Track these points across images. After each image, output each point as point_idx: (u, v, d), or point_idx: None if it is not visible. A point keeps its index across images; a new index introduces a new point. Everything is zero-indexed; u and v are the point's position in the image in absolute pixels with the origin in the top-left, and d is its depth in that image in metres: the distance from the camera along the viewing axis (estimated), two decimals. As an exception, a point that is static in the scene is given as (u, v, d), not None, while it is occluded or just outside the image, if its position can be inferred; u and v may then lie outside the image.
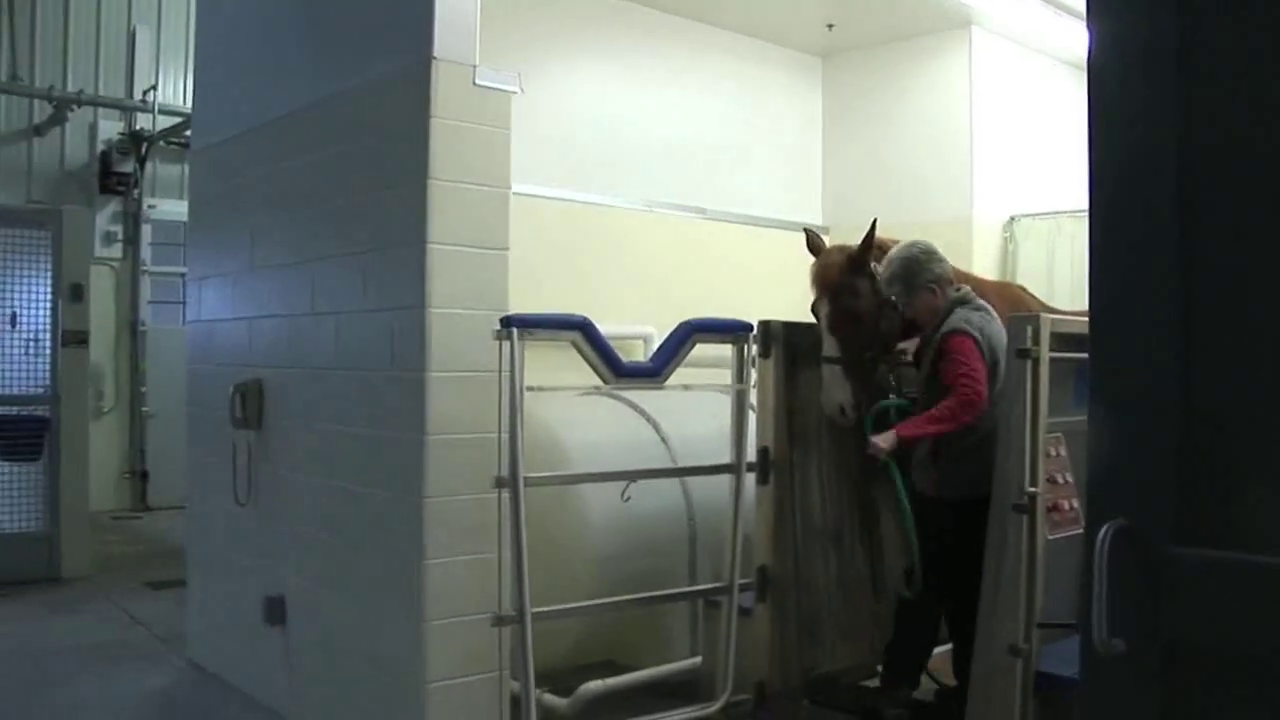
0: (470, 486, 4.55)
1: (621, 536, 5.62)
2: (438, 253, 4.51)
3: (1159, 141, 1.91)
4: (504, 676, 4.72)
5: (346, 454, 5.06)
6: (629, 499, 4.94)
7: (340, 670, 5.15)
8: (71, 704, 5.87)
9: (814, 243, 5.18)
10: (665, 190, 8.36)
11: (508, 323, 4.39)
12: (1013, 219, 8.66)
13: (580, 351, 4.63)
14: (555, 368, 5.48)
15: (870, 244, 4.96)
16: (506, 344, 4.37)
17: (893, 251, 4.78)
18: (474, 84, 4.62)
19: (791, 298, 7.79)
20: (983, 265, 8.27)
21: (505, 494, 4.44)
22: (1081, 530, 4.33)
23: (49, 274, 8.89)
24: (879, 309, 4.93)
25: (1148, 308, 1.95)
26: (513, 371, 4.34)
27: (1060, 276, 8.23)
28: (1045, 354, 4.32)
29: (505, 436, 4.44)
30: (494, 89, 4.68)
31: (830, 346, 4.91)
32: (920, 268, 4.68)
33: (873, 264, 4.94)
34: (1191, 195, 1.88)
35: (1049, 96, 8.77)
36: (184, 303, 13.61)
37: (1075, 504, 4.53)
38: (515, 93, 4.77)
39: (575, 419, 5.87)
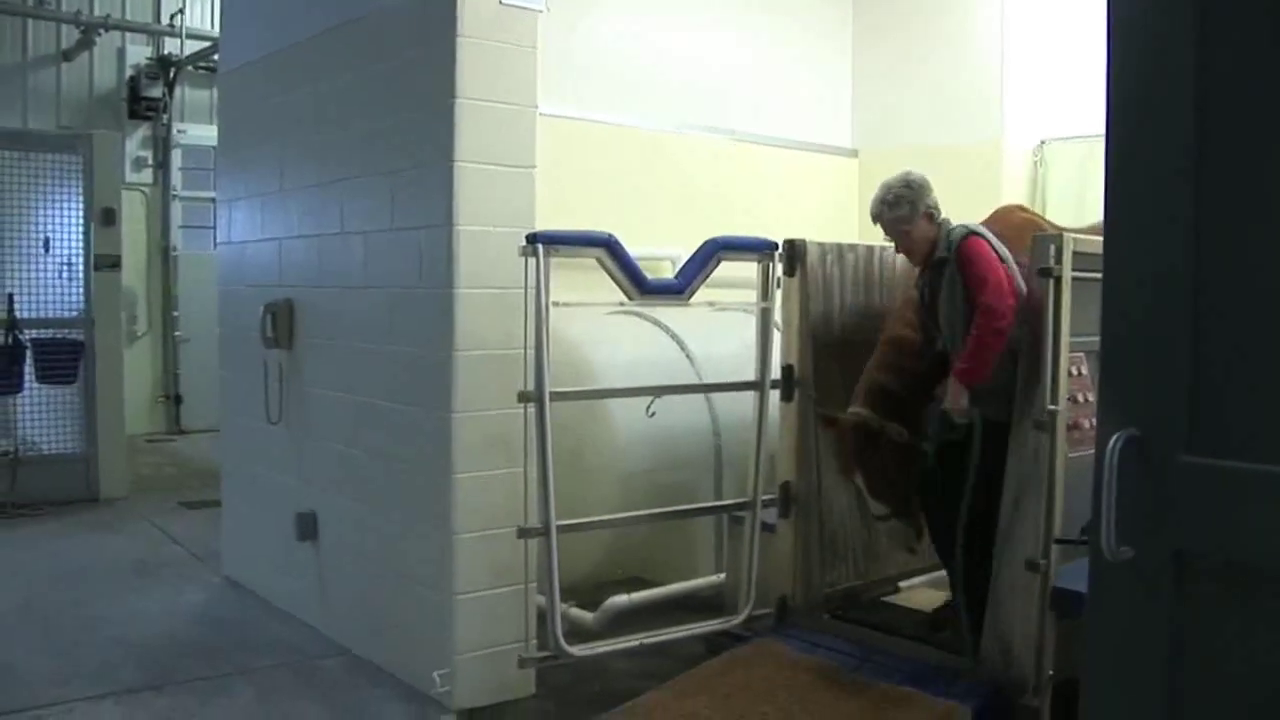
0: (497, 401, 4.62)
1: (647, 452, 5.71)
2: (465, 171, 4.54)
3: (1176, 58, 1.93)
4: (530, 590, 4.81)
5: (375, 371, 5.14)
6: (654, 414, 5.00)
7: (370, 583, 5.27)
8: (114, 617, 6.03)
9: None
10: (696, 112, 8.31)
11: (533, 239, 4.42)
12: (1043, 143, 8.58)
13: (605, 268, 4.66)
14: (584, 288, 5.54)
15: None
16: (532, 260, 4.41)
17: (893, 178, 4.66)
18: (500, 3, 4.62)
19: (819, 218, 7.76)
20: (1012, 189, 8.22)
21: (531, 408, 4.51)
22: (1102, 449, 4.39)
23: (80, 198, 8.96)
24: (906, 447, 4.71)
25: (1159, 224, 1.98)
26: (538, 287, 4.38)
27: (1091, 201, 8.15)
28: (1068, 273, 4.32)
29: (531, 352, 4.50)
30: (520, 8, 4.68)
31: (877, 508, 4.84)
32: (926, 191, 4.58)
33: (879, 423, 4.69)
34: (1205, 118, 1.90)
35: (1082, 16, 8.64)
36: (214, 227, 13.77)
37: (1095, 423, 4.55)
38: (540, 12, 4.77)
39: (602, 337, 5.94)
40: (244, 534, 6.59)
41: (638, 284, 4.72)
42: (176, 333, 12.97)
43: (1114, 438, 2.00)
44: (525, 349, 4.53)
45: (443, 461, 4.64)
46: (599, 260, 4.64)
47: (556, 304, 4.51)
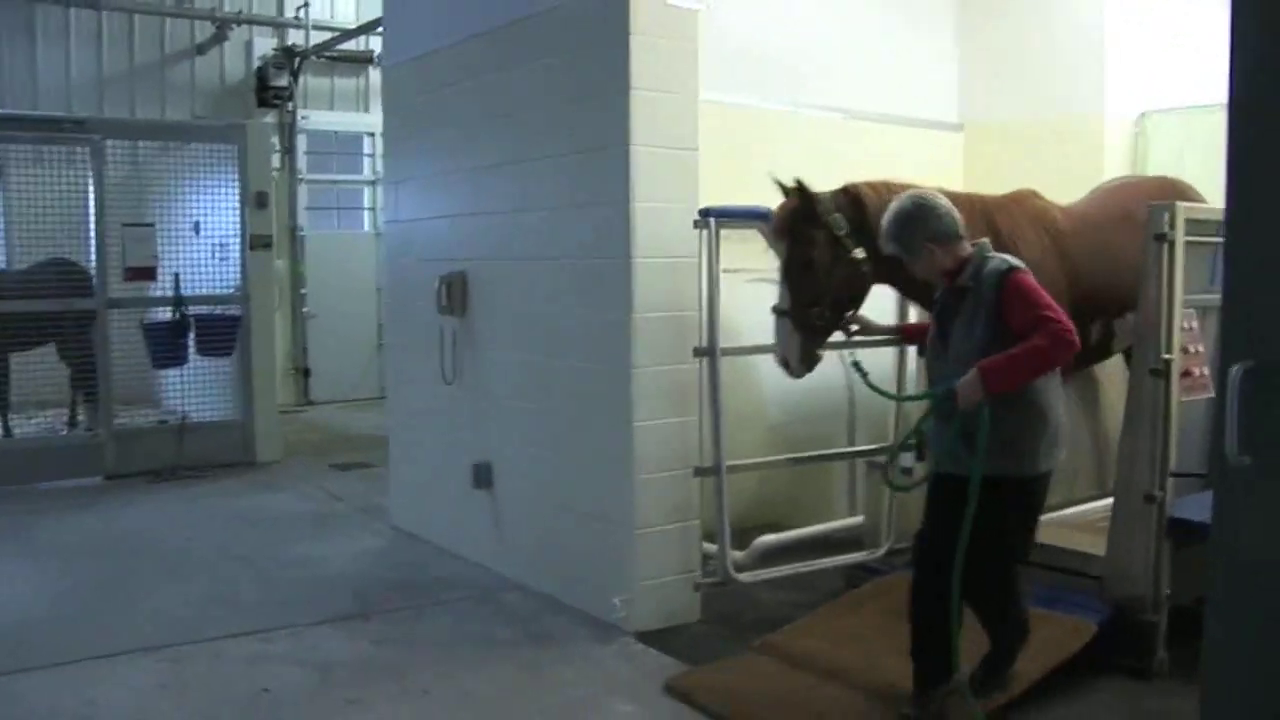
0: (670, 357, 5.22)
1: (790, 405, 6.27)
2: (640, 154, 5.14)
3: None
4: (696, 527, 5.42)
5: (554, 333, 5.75)
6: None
7: (547, 524, 5.89)
8: (306, 559, 6.77)
9: (786, 190, 4.80)
10: (803, 90, 8.57)
11: (706, 213, 5.00)
12: (1144, 115, 8.92)
13: (766, 238, 5.22)
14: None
15: (809, 201, 4.65)
16: (705, 232, 4.99)
17: (893, 207, 4.25)
18: (665, 4, 5.20)
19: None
20: (1113, 162, 8.58)
21: (704, 363, 5.10)
22: (1210, 395, 4.89)
23: (235, 183, 9.66)
24: (834, 263, 4.66)
25: (1275, 189, 2.49)
26: (711, 256, 4.97)
27: (1190, 171, 8.47)
28: (1181, 238, 4.82)
29: (704, 314, 5.08)
30: (681, 8, 5.25)
31: (780, 296, 4.76)
32: (915, 224, 4.13)
33: (835, 215, 4.66)
34: None
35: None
36: (338, 209, 14.56)
37: (1205, 371, 5.04)
38: (699, 10, 5.33)
39: (745, 302, 6.48)
40: (412, 488, 7.26)
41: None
42: (304, 309, 13.73)
43: (1235, 368, 2.50)
44: (700, 310, 5.11)
45: (622, 411, 5.24)
46: (760, 230, 5.19)
47: (726, 270, 5.07)
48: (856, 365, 4.58)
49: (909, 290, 5.07)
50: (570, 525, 5.70)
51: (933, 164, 9.08)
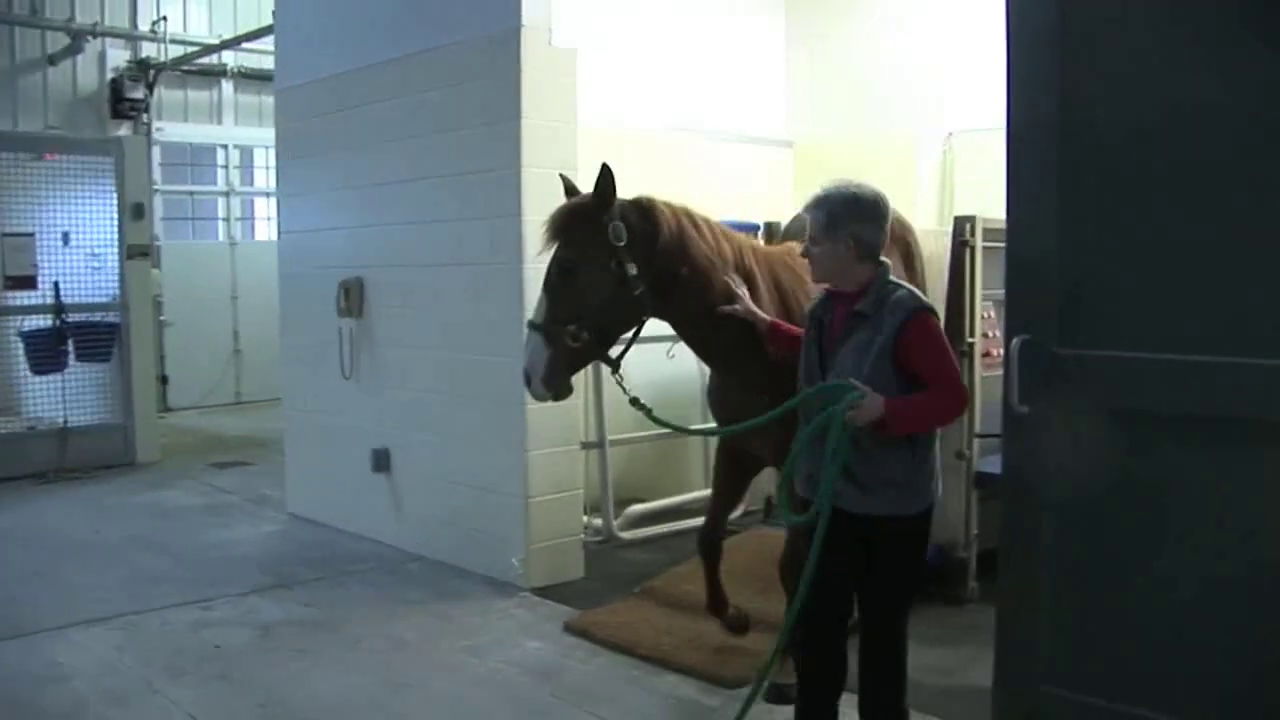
0: (558, 350, 6.02)
1: (652, 393, 7.11)
2: (529, 174, 5.95)
3: (1048, 80, 3.31)
4: (581, 495, 6.27)
5: (450, 330, 6.51)
6: (674, 356, 6.37)
7: (444, 500, 6.64)
8: (214, 543, 7.36)
9: (569, 188, 4.34)
10: (660, 111, 8.96)
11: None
12: (950, 134, 9.89)
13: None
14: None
15: (606, 192, 4.05)
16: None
17: (846, 182, 3.71)
18: (549, 45, 6.03)
19: (758, 207, 8.72)
20: (926, 178, 9.51)
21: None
22: (1008, 371, 5.94)
23: (110, 194, 10.06)
24: (601, 276, 4.04)
25: (1038, 200, 3.37)
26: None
27: (995, 189, 9.31)
28: (979, 243, 5.89)
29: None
30: (563, 48, 6.09)
31: (536, 307, 4.11)
32: (860, 211, 3.65)
33: (617, 223, 4.05)
34: (1066, 121, 3.28)
35: (987, 15, 9.70)
36: (192, 219, 14.87)
37: (1002, 351, 6.10)
38: (576, 50, 6.17)
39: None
40: (309, 476, 7.90)
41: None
42: (161, 317, 13.99)
43: (1015, 339, 3.37)
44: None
45: (517, 397, 6.00)
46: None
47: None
48: (635, 402, 4.28)
49: (687, 332, 4.58)
50: (467, 499, 6.47)
51: (768, 177, 9.96)
